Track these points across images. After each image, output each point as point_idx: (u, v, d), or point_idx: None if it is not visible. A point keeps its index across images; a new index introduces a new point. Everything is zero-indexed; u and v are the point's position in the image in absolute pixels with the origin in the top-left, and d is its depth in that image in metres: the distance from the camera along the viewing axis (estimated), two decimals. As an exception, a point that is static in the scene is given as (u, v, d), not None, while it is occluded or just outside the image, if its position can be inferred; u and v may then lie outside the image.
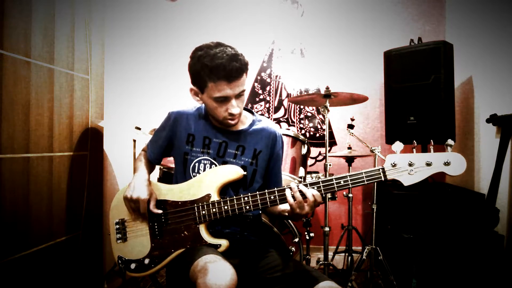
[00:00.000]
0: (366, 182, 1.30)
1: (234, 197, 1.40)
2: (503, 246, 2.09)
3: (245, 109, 1.59)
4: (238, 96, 1.41)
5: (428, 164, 1.26)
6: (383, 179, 1.29)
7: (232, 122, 1.45)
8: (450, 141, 1.24)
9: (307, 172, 2.55)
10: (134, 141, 2.43)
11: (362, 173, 1.31)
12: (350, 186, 1.31)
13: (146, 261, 1.46)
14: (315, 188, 1.33)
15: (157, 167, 2.34)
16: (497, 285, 2.00)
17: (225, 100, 1.39)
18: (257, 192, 1.39)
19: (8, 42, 1.70)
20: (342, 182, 1.32)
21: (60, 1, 2.03)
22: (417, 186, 2.73)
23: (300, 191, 1.32)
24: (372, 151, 2.20)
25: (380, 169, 1.29)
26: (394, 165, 1.28)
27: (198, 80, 1.40)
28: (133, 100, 2.88)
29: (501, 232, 2.12)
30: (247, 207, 1.39)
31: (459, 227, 2.22)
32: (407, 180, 1.28)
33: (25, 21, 1.80)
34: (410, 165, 1.27)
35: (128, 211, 1.52)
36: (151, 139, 1.66)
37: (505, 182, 2.14)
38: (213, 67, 1.32)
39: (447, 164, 1.24)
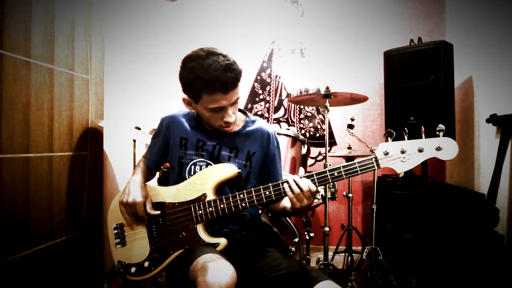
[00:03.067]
0: (359, 172, 1.31)
1: (230, 195, 1.41)
2: (503, 246, 2.08)
3: (238, 109, 1.58)
4: (233, 104, 1.40)
5: (420, 150, 1.26)
6: (376, 168, 1.30)
7: (227, 129, 1.46)
8: (441, 126, 1.24)
9: (306, 172, 2.55)
10: (134, 141, 2.43)
11: (355, 163, 1.31)
12: (344, 177, 1.31)
13: (146, 264, 1.45)
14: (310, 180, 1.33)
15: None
16: (497, 285, 2.00)
17: (221, 110, 1.39)
18: (252, 189, 1.39)
19: (8, 42, 1.70)
20: (336, 173, 1.32)
21: (60, 1, 2.03)
22: (417, 186, 2.73)
23: (296, 183, 1.32)
24: (372, 151, 2.17)
25: (373, 158, 1.30)
26: (386, 154, 1.29)
27: (191, 91, 1.38)
28: (133, 100, 2.88)
29: (501, 232, 2.12)
30: (243, 204, 1.39)
31: (459, 227, 2.21)
32: (400, 167, 1.28)
33: (25, 21, 1.80)
34: (402, 152, 1.27)
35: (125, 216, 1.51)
36: (149, 145, 1.66)
37: (505, 182, 2.14)
38: (208, 80, 1.30)
39: (439, 149, 1.24)
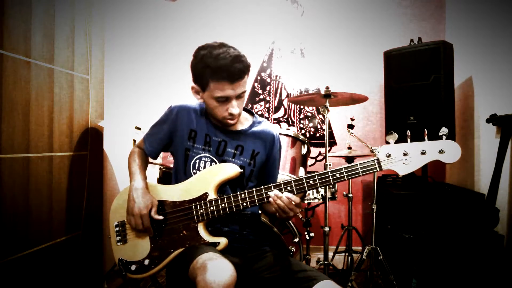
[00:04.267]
0: (361, 174, 1.30)
1: (231, 194, 1.41)
2: (503, 246, 2.08)
3: (245, 109, 1.60)
4: (239, 97, 1.41)
5: (423, 153, 1.25)
6: (378, 169, 1.29)
7: (231, 122, 1.46)
8: (444, 130, 1.24)
9: (307, 172, 2.55)
10: (134, 141, 2.43)
11: (357, 164, 1.31)
12: (346, 178, 1.31)
13: (146, 262, 1.45)
14: (311, 181, 1.33)
15: (157, 167, 2.34)
16: (497, 285, 2.00)
17: (226, 100, 1.40)
18: (254, 189, 1.39)
19: (8, 42, 1.70)
20: (337, 174, 1.32)
21: (60, 1, 2.03)
22: (417, 186, 2.73)
23: (278, 198, 1.31)
24: (372, 151, 2.17)
25: (375, 160, 1.29)
26: (388, 156, 1.28)
27: (200, 79, 1.41)
28: (133, 100, 2.88)
29: (501, 232, 2.12)
30: (244, 204, 1.39)
31: (459, 227, 2.21)
32: (402, 169, 1.27)
33: (25, 21, 1.80)
34: (405, 154, 1.26)
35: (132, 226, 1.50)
36: (148, 132, 1.63)
37: (505, 182, 2.13)
38: (216, 67, 1.33)
39: (441, 152, 1.23)
